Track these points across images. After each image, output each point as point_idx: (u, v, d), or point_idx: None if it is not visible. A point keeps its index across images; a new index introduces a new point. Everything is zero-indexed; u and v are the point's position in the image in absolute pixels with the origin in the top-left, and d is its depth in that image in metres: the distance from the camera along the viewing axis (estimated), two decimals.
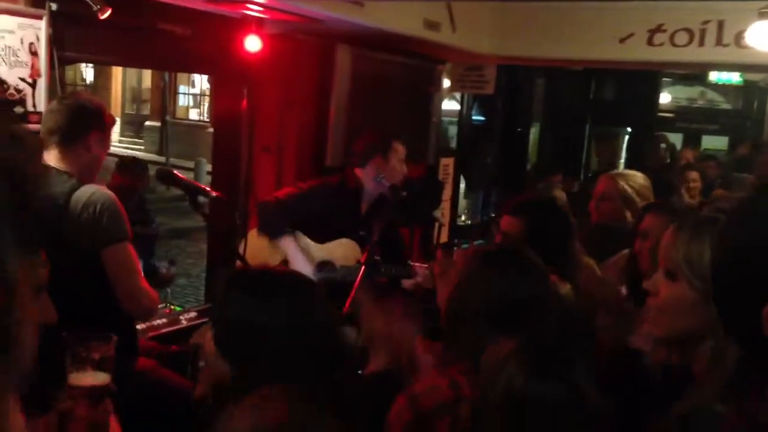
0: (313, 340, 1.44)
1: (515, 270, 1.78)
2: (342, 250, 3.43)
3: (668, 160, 7.88)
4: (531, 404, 1.29)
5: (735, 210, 1.08)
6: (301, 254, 3.36)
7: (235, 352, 1.45)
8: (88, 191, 2.42)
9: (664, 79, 10.98)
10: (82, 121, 2.52)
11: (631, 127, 9.73)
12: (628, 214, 3.46)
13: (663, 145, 8.15)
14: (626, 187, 3.51)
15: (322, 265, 3.40)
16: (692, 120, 11.95)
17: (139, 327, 3.22)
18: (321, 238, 3.46)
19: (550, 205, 2.76)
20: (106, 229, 2.40)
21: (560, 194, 3.07)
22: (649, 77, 9.51)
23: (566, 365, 1.33)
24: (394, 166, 3.53)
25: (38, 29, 2.95)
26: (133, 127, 23.18)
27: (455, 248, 2.72)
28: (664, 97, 11.70)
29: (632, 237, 2.83)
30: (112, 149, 2.78)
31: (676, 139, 11.65)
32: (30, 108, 2.94)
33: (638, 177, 3.65)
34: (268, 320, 1.44)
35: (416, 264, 3.34)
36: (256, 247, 3.36)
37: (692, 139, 11.69)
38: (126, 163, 5.22)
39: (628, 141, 9.92)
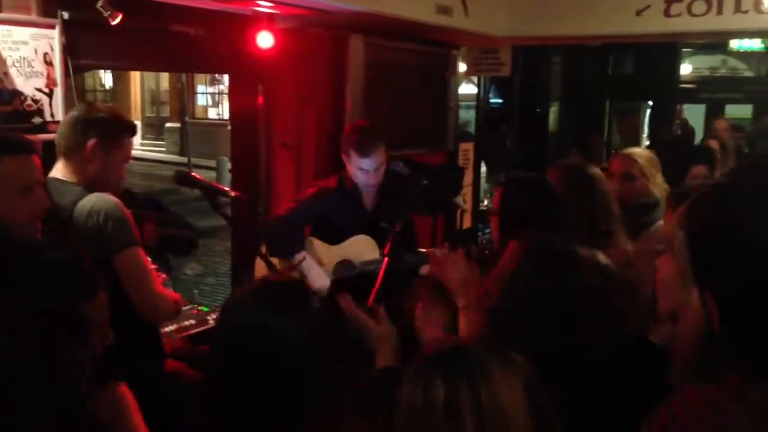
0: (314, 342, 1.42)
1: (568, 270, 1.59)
2: (357, 247, 3.37)
3: (678, 133, 7.67)
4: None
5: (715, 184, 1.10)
6: (315, 267, 3.30)
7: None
8: (91, 200, 2.39)
9: (685, 50, 10.78)
10: (80, 130, 2.47)
11: (653, 101, 9.59)
12: (654, 190, 3.47)
13: (677, 121, 7.98)
14: (642, 162, 3.51)
15: (340, 265, 3.36)
16: (715, 89, 11.72)
17: (168, 329, 3.25)
18: (333, 240, 3.41)
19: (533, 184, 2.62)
20: (112, 236, 2.36)
21: (597, 171, 2.99)
22: (669, 48, 9.34)
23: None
24: (355, 175, 3.41)
25: (51, 39, 2.97)
26: (154, 129, 23.35)
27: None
28: (685, 68, 11.50)
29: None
30: (135, 152, 2.76)
31: (698, 110, 11.46)
32: (48, 118, 2.97)
33: (645, 152, 3.72)
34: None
35: (431, 250, 3.29)
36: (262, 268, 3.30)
37: (716, 109, 11.50)
38: None
39: (650, 115, 9.78)
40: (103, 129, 2.49)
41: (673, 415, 1.06)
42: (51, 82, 2.98)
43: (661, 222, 3.26)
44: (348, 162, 3.43)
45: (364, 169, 3.38)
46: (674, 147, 5.79)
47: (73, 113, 2.57)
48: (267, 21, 3.87)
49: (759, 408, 1.01)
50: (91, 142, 2.46)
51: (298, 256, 3.27)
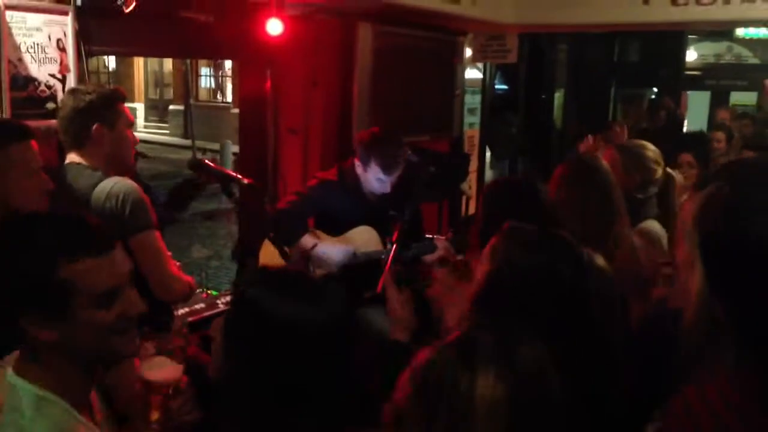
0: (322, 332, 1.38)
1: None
2: (359, 238, 3.34)
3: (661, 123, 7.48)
4: None
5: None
6: (328, 245, 3.30)
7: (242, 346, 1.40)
8: (109, 183, 2.44)
9: (690, 37, 10.78)
10: (80, 121, 2.48)
11: (657, 88, 9.60)
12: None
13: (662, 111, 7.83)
14: (625, 158, 3.20)
15: None
16: (720, 77, 11.71)
17: (179, 312, 3.30)
18: (336, 232, 3.38)
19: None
20: (129, 219, 2.41)
21: (605, 164, 2.90)
22: (675, 36, 9.36)
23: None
24: (369, 180, 3.30)
25: (65, 25, 3.00)
26: (158, 111, 23.34)
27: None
28: (691, 55, 11.49)
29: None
30: (139, 135, 2.77)
31: (703, 97, 11.45)
32: (60, 104, 3.00)
33: (641, 145, 3.33)
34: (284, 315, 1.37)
35: (436, 237, 3.31)
36: (269, 254, 3.23)
37: (721, 96, 11.48)
38: None
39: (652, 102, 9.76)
40: (99, 111, 2.49)
41: (688, 407, 1.08)
42: (64, 68, 3.01)
43: (649, 221, 3.21)
44: (363, 168, 3.29)
45: (382, 180, 3.28)
46: (661, 135, 5.73)
47: (61, 105, 2.56)
48: (276, 7, 3.88)
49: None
50: (95, 128, 2.47)
51: (310, 242, 3.29)
